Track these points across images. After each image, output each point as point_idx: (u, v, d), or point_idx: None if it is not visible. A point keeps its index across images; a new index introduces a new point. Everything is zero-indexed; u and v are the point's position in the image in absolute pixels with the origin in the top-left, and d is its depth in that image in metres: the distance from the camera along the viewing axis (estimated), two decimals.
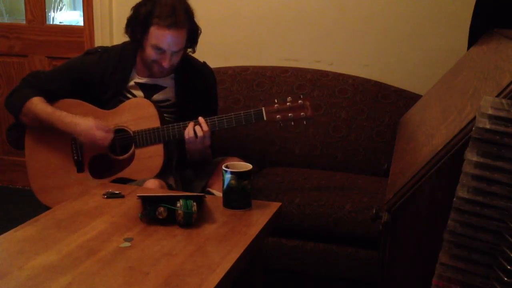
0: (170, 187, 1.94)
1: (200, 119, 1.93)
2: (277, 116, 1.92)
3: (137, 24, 1.95)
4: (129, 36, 2.01)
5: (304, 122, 1.96)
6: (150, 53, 1.96)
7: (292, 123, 1.95)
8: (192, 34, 2.02)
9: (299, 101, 1.93)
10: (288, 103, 1.93)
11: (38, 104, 1.99)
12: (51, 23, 3.48)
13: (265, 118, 1.92)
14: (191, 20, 1.99)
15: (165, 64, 1.96)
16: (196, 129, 1.92)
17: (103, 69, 2.05)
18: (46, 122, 1.98)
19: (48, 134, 2.04)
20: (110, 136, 1.97)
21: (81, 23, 3.17)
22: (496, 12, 1.99)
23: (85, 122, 1.96)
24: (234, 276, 1.33)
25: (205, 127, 1.92)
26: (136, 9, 1.97)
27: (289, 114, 1.92)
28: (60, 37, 3.21)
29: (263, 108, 1.93)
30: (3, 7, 3.65)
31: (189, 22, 1.96)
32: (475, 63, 1.69)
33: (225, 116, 1.94)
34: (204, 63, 2.18)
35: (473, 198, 0.99)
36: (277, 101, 1.94)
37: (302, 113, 1.92)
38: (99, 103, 2.04)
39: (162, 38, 1.91)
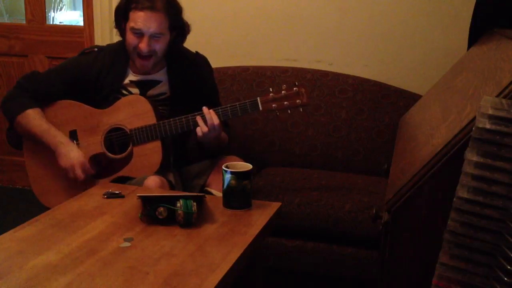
0: (170, 184, 1.94)
1: (205, 109, 1.92)
2: (273, 105, 1.92)
3: (119, 13, 2.01)
4: (117, 29, 2.06)
5: (301, 110, 1.94)
6: (129, 38, 1.98)
7: (289, 111, 1.94)
8: (176, 25, 2.02)
9: (294, 89, 1.92)
10: (283, 91, 1.92)
11: (31, 118, 2.00)
12: (51, 23, 3.48)
13: (260, 108, 1.91)
14: (173, 10, 2.00)
15: (143, 46, 1.95)
16: (206, 122, 1.91)
17: (99, 68, 2.05)
18: (37, 137, 2.00)
19: None
20: (82, 177, 1.97)
21: (81, 23, 3.17)
22: (496, 12, 1.99)
23: (76, 154, 1.97)
24: (234, 276, 1.33)
25: (216, 120, 1.91)
26: (119, 0, 2.04)
27: (285, 103, 1.92)
28: (60, 37, 3.21)
29: (258, 98, 1.92)
30: (3, 7, 3.65)
31: (168, 9, 1.98)
32: (475, 63, 1.69)
33: (221, 108, 1.93)
34: (197, 52, 2.18)
35: (473, 198, 0.99)
36: (272, 90, 1.93)
37: (298, 101, 1.91)
38: (95, 102, 2.05)
39: (137, 19, 1.94)
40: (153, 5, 1.93)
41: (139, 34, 1.95)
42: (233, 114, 1.92)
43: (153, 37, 1.96)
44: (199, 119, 1.92)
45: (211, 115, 1.90)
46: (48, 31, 3.24)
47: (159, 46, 1.99)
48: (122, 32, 2.04)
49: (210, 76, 2.21)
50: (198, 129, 1.92)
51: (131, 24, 1.95)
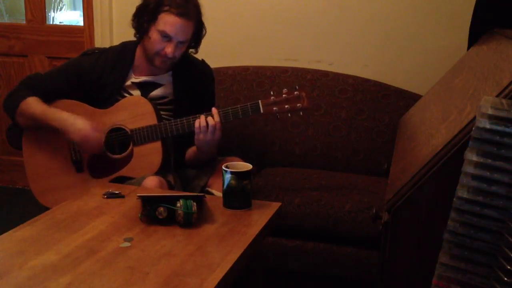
0: (169, 184, 1.94)
1: (214, 109, 1.93)
2: (274, 108, 1.93)
3: (146, 11, 1.96)
4: (135, 26, 2.02)
5: (301, 113, 1.96)
6: (156, 39, 1.95)
7: (289, 115, 1.96)
8: (198, 31, 2.03)
9: (295, 92, 1.93)
10: (284, 95, 1.93)
11: (33, 103, 1.99)
12: (51, 23, 3.48)
13: (262, 110, 1.93)
14: (199, 17, 2.01)
15: (169, 51, 1.95)
16: (207, 120, 1.92)
17: (101, 69, 2.05)
18: (41, 119, 1.98)
19: (45, 135, 2.04)
20: (96, 147, 1.96)
21: (81, 23, 3.17)
22: (496, 12, 1.99)
23: (83, 124, 1.94)
24: (234, 276, 1.33)
25: (217, 118, 1.91)
26: None
27: (286, 106, 1.93)
28: (60, 37, 3.21)
29: (259, 101, 1.93)
30: (3, 7, 3.65)
31: (197, 17, 1.98)
32: (475, 63, 1.69)
33: (222, 110, 1.94)
34: (203, 60, 2.18)
35: (473, 198, 0.99)
36: (273, 93, 1.94)
37: (298, 104, 1.93)
38: (96, 103, 2.04)
39: (171, 25, 1.92)
40: (187, 11, 1.92)
41: (168, 38, 1.94)
42: (234, 116, 1.93)
43: (179, 43, 1.96)
44: (203, 116, 1.92)
45: (215, 115, 1.91)
46: (48, 31, 3.24)
47: (180, 53, 2.00)
48: (143, 30, 2.00)
49: (212, 86, 2.22)
50: (197, 122, 1.91)
51: (161, 27, 1.93)
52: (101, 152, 2.00)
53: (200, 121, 1.91)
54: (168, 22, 1.92)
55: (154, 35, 1.96)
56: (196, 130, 1.92)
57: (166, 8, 1.92)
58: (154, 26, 1.95)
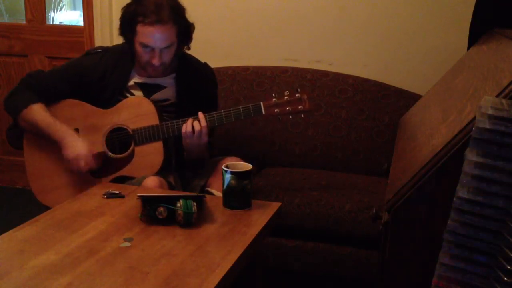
0: (169, 185, 1.94)
1: (200, 114, 1.94)
2: (276, 110, 1.93)
3: (125, 24, 1.97)
4: (122, 38, 2.03)
5: (302, 116, 1.97)
6: (140, 51, 1.96)
7: (290, 117, 1.96)
8: (182, 30, 2.00)
9: (297, 95, 1.94)
10: (286, 97, 1.94)
11: (36, 112, 1.99)
12: (51, 23, 3.48)
13: (263, 112, 1.93)
14: (179, 16, 1.97)
15: (155, 61, 1.95)
16: (194, 124, 1.92)
17: (103, 69, 2.05)
18: (42, 130, 1.99)
19: None
20: (85, 169, 1.97)
21: (81, 23, 3.17)
22: (496, 12, 1.99)
23: (80, 145, 1.96)
24: (234, 276, 1.33)
25: (203, 122, 1.93)
26: (123, 9, 2.00)
27: (287, 108, 1.93)
28: (60, 37, 3.21)
29: (261, 103, 1.93)
30: (3, 7, 3.66)
31: (175, 17, 1.95)
32: (475, 63, 1.69)
33: (224, 111, 1.94)
34: (206, 64, 2.18)
35: (473, 198, 0.99)
36: (275, 95, 1.95)
37: (300, 107, 1.93)
38: (98, 103, 2.04)
39: (148, 36, 1.92)
40: (161, 17, 1.90)
41: (150, 48, 1.94)
42: (236, 117, 1.93)
43: (164, 49, 1.96)
44: (189, 119, 1.93)
45: (201, 120, 1.92)
46: (48, 31, 3.24)
47: (169, 56, 1.99)
48: (129, 41, 2.01)
49: (215, 90, 2.22)
50: (183, 126, 1.92)
51: (140, 39, 1.93)
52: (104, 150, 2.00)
53: (187, 126, 1.92)
54: (145, 33, 1.91)
55: (137, 47, 1.96)
56: (183, 135, 1.93)
57: (140, 18, 1.91)
58: (135, 39, 1.95)
